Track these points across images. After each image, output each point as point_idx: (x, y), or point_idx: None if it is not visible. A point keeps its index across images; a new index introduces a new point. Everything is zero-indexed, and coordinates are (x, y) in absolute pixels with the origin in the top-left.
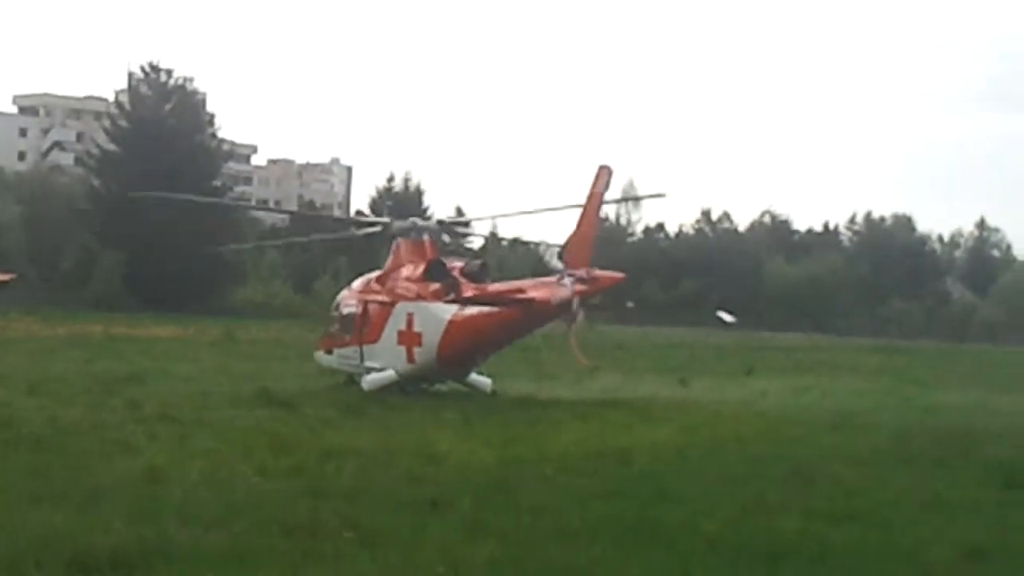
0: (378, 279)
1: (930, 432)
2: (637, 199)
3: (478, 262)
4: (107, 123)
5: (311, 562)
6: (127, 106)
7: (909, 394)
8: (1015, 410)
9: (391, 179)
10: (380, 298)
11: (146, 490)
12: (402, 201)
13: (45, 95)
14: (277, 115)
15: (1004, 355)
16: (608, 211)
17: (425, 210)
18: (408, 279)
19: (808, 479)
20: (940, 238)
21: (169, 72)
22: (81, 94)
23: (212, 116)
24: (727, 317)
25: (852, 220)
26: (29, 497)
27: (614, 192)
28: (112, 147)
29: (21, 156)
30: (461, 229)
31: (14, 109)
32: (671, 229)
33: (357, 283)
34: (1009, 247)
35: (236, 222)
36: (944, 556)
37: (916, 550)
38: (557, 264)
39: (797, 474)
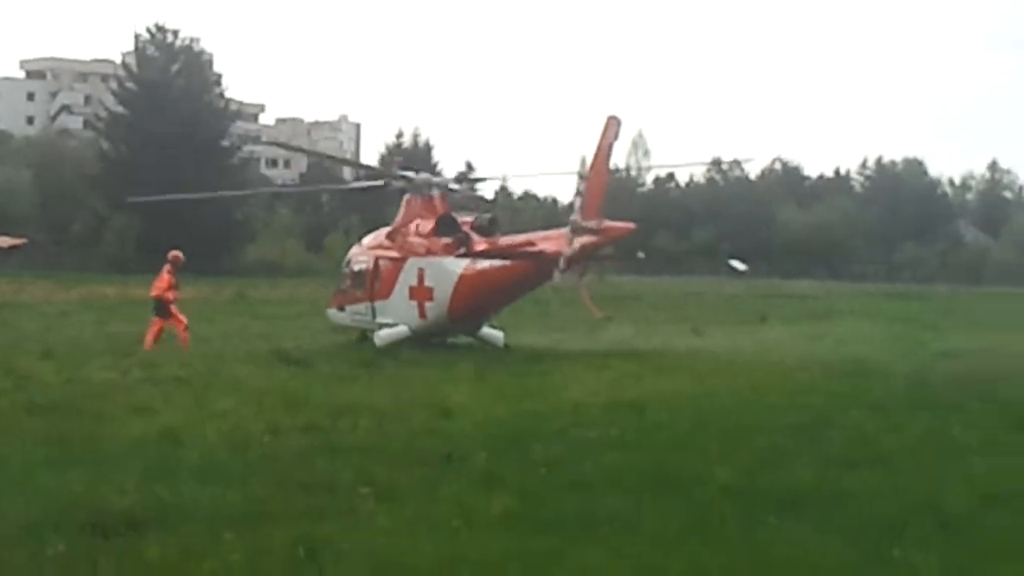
0: (389, 235)
1: (946, 377)
2: None
3: (488, 216)
4: (114, 85)
5: (328, 518)
6: (134, 68)
7: (924, 339)
8: None
9: (400, 135)
10: (391, 254)
11: (162, 451)
12: (411, 157)
13: (52, 59)
14: (284, 73)
15: (1019, 297)
16: (618, 161)
17: (435, 166)
18: (419, 234)
19: (823, 426)
20: (951, 181)
21: (175, 32)
22: (88, 57)
23: (219, 76)
24: (739, 265)
25: (863, 165)
26: (46, 461)
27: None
28: (120, 109)
29: (29, 120)
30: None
31: (21, 74)
32: (682, 178)
33: (368, 239)
34: (1021, 188)
35: (246, 182)
36: (961, 500)
37: (933, 495)
38: (567, 216)
39: (812, 421)
